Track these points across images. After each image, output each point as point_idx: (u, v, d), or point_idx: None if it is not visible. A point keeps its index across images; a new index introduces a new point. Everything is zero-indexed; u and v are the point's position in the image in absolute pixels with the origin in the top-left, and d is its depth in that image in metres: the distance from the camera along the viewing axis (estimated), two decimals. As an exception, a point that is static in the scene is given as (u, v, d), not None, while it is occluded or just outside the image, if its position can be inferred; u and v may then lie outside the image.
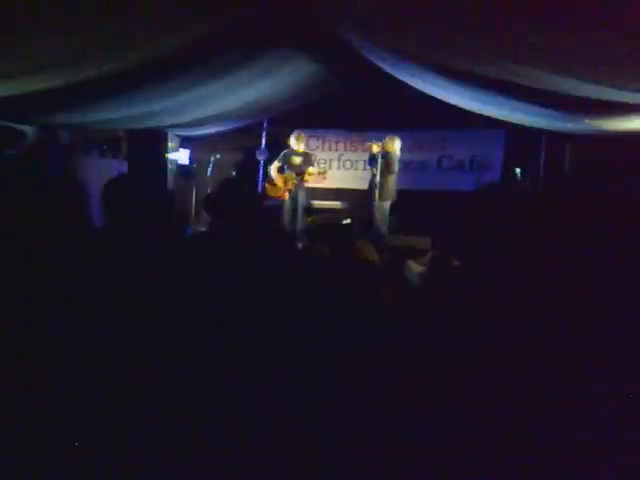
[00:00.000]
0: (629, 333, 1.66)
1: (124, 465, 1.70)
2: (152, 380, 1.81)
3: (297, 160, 7.70)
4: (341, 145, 8.95)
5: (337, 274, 2.77)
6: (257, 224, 2.99)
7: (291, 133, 7.81)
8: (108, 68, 4.11)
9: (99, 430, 1.73)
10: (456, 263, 2.58)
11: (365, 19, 3.85)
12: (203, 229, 6.36)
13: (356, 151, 8.80)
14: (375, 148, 7.31)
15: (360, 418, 1.78)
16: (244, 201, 2.83)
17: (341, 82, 7.10)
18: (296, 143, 7.71)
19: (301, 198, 7.77)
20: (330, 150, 8.97)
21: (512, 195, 2.89)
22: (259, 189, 8.26)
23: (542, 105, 4.87)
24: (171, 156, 7.99)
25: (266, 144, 8.71)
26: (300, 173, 7.65)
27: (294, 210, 7.73)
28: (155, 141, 7.71)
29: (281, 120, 8.04)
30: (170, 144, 7.90)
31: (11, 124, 5.84)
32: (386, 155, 7.27)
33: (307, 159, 7.81)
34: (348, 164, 8.93)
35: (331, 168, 8.78)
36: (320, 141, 8.94)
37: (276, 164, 7.78)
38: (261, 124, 8.62)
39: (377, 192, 7.26)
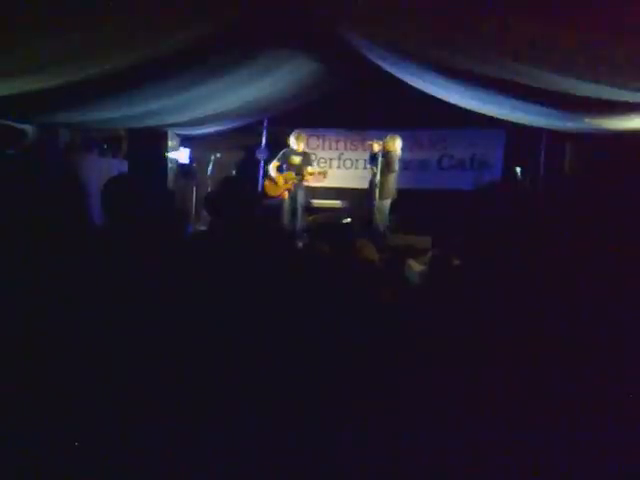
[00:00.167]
0: (629, 332, 1.66)
1: (124, 465, 1.71)
2: (152, 379, 1.81)
3: (296, 160, 7.70)
4: (341, 144, 8.95)
5: (337, 273, 2.77)
6: (257, 223, 2.98)
7: (291, 132, 7.80)
8: (108, 67, 4.11)
9: (99, 430, 1.73)
10: (456, 262, 2.58)
11: (365, 18, 3.84)
12: (203, 228, 6.36)
13: (356, 150, 8.80)
14: (376, 147, 7.31)
15: (360, 417, 1.78)
16: (244, 200, 2.83)
17: (341, 81, 7.10)
18: (296, 142, 7.71)
19: (301, 197, 7.76)
20: (330, 149, 8.97)
21: (512, 194, 2.89)
22: (259, 188, 8.26)
23: (542, 104, 4.86)
24: (171, 155, 7.98)
25: (266, 143, 8.70)
26: (300, 173, 7.65)
27: (294, 209, 7.73)
28: (155, 140, 7.70)
29: (281, 119, 8.03)
30: (170, 143, 7.89)
31: (11, 123, 5.83)
32: (387, 154, 7.27)
33: (306, 159, 7.81)
34: (348, 163, 8.93)
35: (331, 167, 8.78)
36: (320, 140, 8.94)
37: (275, 163, 7.78)
38: (261, 123, 8.61)
39: (377, 191, 7.26)
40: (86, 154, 6.87)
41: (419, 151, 8.44)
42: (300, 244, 5.29)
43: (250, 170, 8.67)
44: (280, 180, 7.72)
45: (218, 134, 8.52)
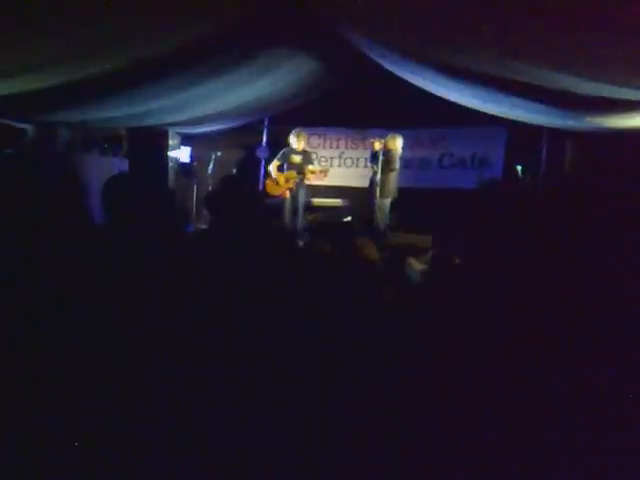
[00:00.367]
0: (630, 332, 1.66)
1: (124, 465, 1.71)
2: (152, 378, 1.81)
3: (297, 158, 7.70)
4: (342, 143, 8.96)
5: (338, 272, 2.77)
6: (258, 222, 2.98)
7: (292, 131, 7.81)
8: (108, 66, 4.11)
9: (99, 430, 1.73)
10: (457, 261, 2.58)
11: (365, 18, 3.84)
12: (204, 227, 6.37)
13: (357, 149, 8.81)
14: (377, 145, 7.31)
15: (360, 416, 1.78)
16: (245, 199, 2.83)
17: (342, 80, 7.09)
18: (296, 141, 7.70)
19: (302, 196, 7.76)
20: (331, 148, 8.98)
21: (513, 193, 2.88)
22: (260, 187, 8.26)
23: (542, 102, 4.86)
24: (172, 154, 7.98)
25: (267, 142, 8.71)
26: (301, 171, 7.65)
27: (295, 208, 7.73)
28: (156, 139, 7.70)
29: (282, 118, 8.03)
30: (171, 142, 7.89)
31: (11, 122, 5.83)
32: (387, 152, 7.28)
33: (307, 157, 7.80)
34: (349, 162, 8.94)
35: (332, 166, 8.79)
36: (321, 139, 8.95)
37: (276, 163, 7.78)
38: (262, 122, 8.62)
39: (378, 190, 7.26)
40: (86, 153, 6.87)
41: (420, 150, 8.44)
42: (301, 243, 5.29)
43: (251, 169, 8.68)
44: (281, 179, 7.72)
45: (219, 133, 8.53)
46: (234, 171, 8.72)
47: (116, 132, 7.36)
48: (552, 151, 7.48)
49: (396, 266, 4.10)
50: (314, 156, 8.39)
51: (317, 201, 8.39)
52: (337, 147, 8.98)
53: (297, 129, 7.75)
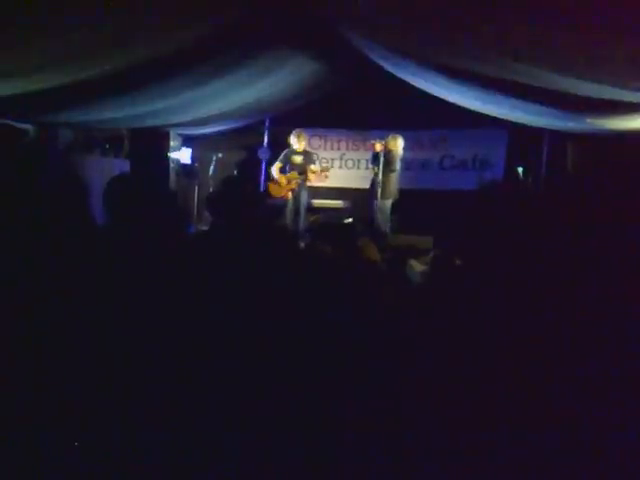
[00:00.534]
0: (632, 332, 1.65)
1: (125, 465, 1.71)
2: (153, 379, 1.81)
3: (298, 159, 7.70)
4: (343, 144, 8.95)
5: (339, 273, 2.77)
6: (259, 223, 2.98)
7: (292, 132, 7.80)
8: (109, 67, 4.11)
9: (99, 430, 1.73)
10: (458, 262, 2.57)
11: (365, 19, 3.84)
12: (205, 228, 6.36)
13: (358, 150, 8.80)
14: (378, 147, 7.30)
15: (362, 417, 1.78)
16: (246, 200, 2.83)
17: (343, 81, 7.09)
18: (297, 142, 7.70)
19: (304, 197, 7.76)
20: (332, 149, 8.98)
21: (514, 194, 2.88)
22: (261, 188, 8.26)
23: (542, 103, 4.86)
24: (173, 155, 7.99)
25: (268, 143, 8.71)
26: (303, 172, 7.65)
27: (297, 209, 7.73)
28: (157, 140, 7.71)
29: (283, 119, 8.04)
30: (172, 143, 7.90)
31: (12, 123, 5.83)
32: (388, 153, 7.27)
33: (308, 157, 7.80)
34: (350, 163, 8.93)
35: (333, 167, 8.77)
36: (322, 140, 8.94)
37: (278, 164, 7.77)
38: (263, 123, 8.62)
39: (379, 191, 7.26)
40: (88, 154, 6.88)
41: (420, 151, 8.43)
42: (302, 244, 5.28)
43: (252, 170, 8.67)
44: (283, 181, 7.71)
45: (220, 134, 8.53)
46: (235, 172, 8.71)
47: (117, 133, 7.37)
48: (553, 153, 7.47)
49: (397, 267, 4.10)
50: (315, 156, 8.39)
51: (318, 202, 8.38)
52: (338, 148, 8.97)
53: (297, 129, 7.75)
